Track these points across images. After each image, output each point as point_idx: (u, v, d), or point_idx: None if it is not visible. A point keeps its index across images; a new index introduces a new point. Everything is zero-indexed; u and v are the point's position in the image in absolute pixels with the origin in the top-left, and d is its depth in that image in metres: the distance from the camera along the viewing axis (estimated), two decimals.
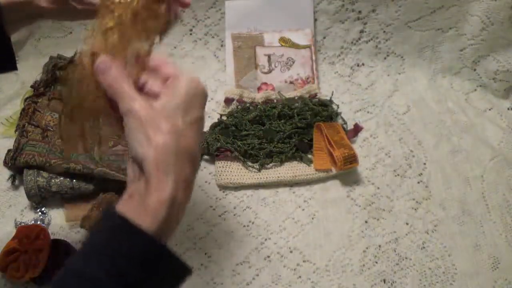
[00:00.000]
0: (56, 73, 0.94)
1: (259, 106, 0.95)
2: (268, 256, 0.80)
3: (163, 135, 0.41)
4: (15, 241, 0.73)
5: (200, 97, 0.44)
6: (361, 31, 1.04)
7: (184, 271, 0.43)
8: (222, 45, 1.06)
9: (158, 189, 0.40)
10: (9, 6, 0.57)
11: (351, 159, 0.86)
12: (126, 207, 0.42)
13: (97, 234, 0.42)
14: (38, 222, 0.80)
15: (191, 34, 1.06)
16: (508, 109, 1.02)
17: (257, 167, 0.88)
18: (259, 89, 1.00)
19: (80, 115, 0.48)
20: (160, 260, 0.40)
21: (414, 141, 0.95)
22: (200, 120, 0.44)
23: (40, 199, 0.82)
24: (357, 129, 0.95)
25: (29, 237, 0.73)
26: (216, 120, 0.95)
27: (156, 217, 0.40)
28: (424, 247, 0.81)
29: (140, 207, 0.41)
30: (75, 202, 0.82)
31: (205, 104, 0.45)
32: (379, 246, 0.81)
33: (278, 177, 0.87)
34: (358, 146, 0.93)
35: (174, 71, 0.45)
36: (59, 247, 0.75)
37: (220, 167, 0.88)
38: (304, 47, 1.02)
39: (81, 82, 0.46)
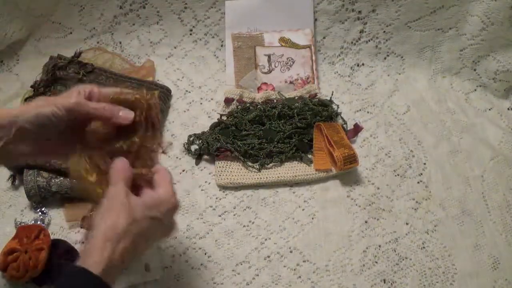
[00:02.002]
0: (56, 73, 0.94)
1: (259, 106, 0.95)
2: (268, 256, 0.80)
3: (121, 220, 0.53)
4: (15, 241, 0.73)
5: (170, 210, 0.57)
6: (361, 31, 1.04)
7: None
8: (222, 45, 1.06)
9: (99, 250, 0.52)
10: (33, 120, 0.55)
11: (351, 159, 0.86)
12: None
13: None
14: (38, 222, 0.80)
15: (191, 34, 1.06)
16: (508, 109, 1.02)
17: (257, 167, 0.88)
18: (259, 89, 1.00)
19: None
20: None
21: (414, 141, 0.95)
22: (157, 219, 0.56)
23: (40, 199, 0.82)
24: (357, 129, 0.95)
25: (29, 237, 0.73)
26: (216, 120, 0.95)
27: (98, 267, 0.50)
28: (424, 247, 0.81)
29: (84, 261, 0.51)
30: (75, 202, 0.82)
31: (168, 214, 0.57)
32: (379, 246, 0.81)
33: (278, 177, 0.87)
34: (358, 146, 0.93)
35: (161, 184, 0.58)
36: (59, 247, 0.75)
37: (220, 167, 0.88)
38: (304, 47, 1.02)
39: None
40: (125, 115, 0.58)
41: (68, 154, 0.59)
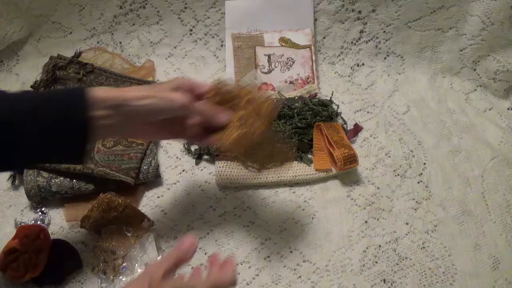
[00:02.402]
0: (56, 73, 0.94)
1: None
2: (268, 256, 0.80)
3: None
4: (15, 241, 0.73)
5: None
6: (361, 31, 1.04)
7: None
8: (222, 45, 1.06)
9: None
10: (143, 111, 0.61)
11: (351, 159, 0.86)
12: None
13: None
14: (38, 222, 0.80)
15: (191, 34, 1.06)
16: (508, 109, 1.02)
17: (257, 167, 0.88)
18: (259, 89, 1.00)
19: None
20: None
21: (414, 141, 0.95)
22: None
23: (40, 199, 0.82)
24: (357, 129, 0.95)
25: (29, 237, 0.73)
26: None
27: None
28: (424, 247, 0.81)
29: None
30: (75, 202, 0.82)
31: None
32: (379, 246, 0.81)
33: (278, 177, 0.87)
34: (358, 146, 0.93)
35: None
36: (59, 247, 0.75)
37: (220, 167, 0.88)
38: (304, 47, 1.03)
39: None
40: (224, 117, 0.65)
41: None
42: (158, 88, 0.63)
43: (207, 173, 0.89)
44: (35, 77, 0.96)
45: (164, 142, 0.93)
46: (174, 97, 0.62)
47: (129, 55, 1.06)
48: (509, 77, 1.01)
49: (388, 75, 1.05)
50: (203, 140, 0.68)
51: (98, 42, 1.05)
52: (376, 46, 1.05)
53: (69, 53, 0.99)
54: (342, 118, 0.97)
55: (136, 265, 0.74)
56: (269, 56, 1.02)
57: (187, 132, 0.67)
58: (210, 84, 0.66)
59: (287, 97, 0.97)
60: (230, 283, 0.54)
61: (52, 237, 0.75)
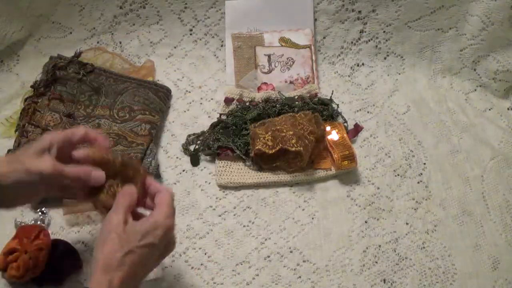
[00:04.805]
0: (56, 73, 0.94)
1: (259, 105, 0.95)
2: (268, 256, 0.80)
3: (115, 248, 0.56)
4: (15, 241, 0.73)
5: (165, 233, 0.58)
6: (361, 31, 1.04)
7: None
8: (222, 45, 1.06)
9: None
10: (13, 186, 0.58)
11: (349, 158, 0.86)
12: None
13: None
14: (38, 222, 0.80)
15: (191, 34, 1.06)
16: (508, 109, 1.02)
17: (257, 166, 0.88)
18: (259, 89, 1.00)
19: None
20: None
21: (414, 141, 0.95)
22: (152, 246, 0.57)
23: (40, 199, 0.82)
24: (357, 129, 0.95)
25: (29, 237, 0.73)
26: (216, 120, 0.95)
27: None
28: (424, 247, 0.81)
29: None
30: (75, 202, 0.82)
31: (164, 236, 0.58)
32: (379, 246, 0.81)
33: (278, 177, 0.87)
34: (358, 146, 0.93)
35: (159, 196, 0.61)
36: (59, 247, 0.75)
37: (220, 166, 0.88)
38: (304, 47, 1.02)
39: None
40: (97, 177, 0.61)
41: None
42: (23, 157, 0.59)
43: (207, 173, 0.89)
44: (35, 77, 0.96)
45: (164, 142, 0.93)
46: (40, 167, 0.57)
47: (129, 55, 1.06)
48: (509, 77, 1.01)
49: (388, 75, 1.05)
50: (84, 199, 0.64)
51: (98, 42, 1.05)
52: (376, 46, 1.05)
53: (69, 53, 0.99)
54: (342, 117, 0.97)
55: None
56: (269, 56, 1.02)
57: (66, 193, 0.65)
58: (81, 131, 0.62)
59: (287, 96, 0.97)
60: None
61: (52, 237, 0.75)
